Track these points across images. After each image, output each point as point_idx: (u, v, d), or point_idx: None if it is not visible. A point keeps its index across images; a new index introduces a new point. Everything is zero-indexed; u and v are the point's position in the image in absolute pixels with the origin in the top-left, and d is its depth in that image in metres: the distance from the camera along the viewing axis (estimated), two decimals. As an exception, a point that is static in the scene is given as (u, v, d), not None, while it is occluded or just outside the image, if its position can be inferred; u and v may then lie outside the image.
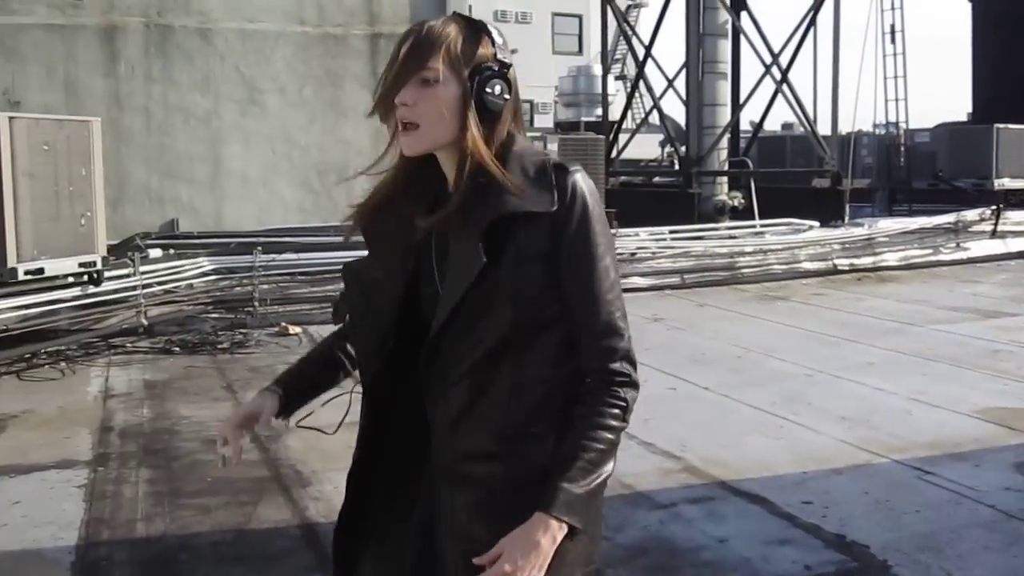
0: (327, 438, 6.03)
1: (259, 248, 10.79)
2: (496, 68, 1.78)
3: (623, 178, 21.10)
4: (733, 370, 8.33)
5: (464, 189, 1.77)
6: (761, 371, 8.29)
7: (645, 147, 22.64)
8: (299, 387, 2.15)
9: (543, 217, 1.76)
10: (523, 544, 1.71)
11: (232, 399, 7.69)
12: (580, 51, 35.41)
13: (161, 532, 4.85)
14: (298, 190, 12.67)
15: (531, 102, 31.34)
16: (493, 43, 1.79)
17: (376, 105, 1.81)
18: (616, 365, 1.83)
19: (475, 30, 1.80)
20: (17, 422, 7.11)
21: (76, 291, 9.13)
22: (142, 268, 9.85)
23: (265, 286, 10.91)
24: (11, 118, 8.09)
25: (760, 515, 4.98)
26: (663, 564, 4.39)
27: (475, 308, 1.78)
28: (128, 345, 9.72)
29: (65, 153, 8.55)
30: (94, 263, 8.97)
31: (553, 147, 14.36)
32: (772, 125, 31.49)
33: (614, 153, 20.31)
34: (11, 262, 8.04)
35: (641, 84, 20.50)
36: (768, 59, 18.75)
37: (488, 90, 1.77)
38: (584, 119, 21.66)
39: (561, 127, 21.32)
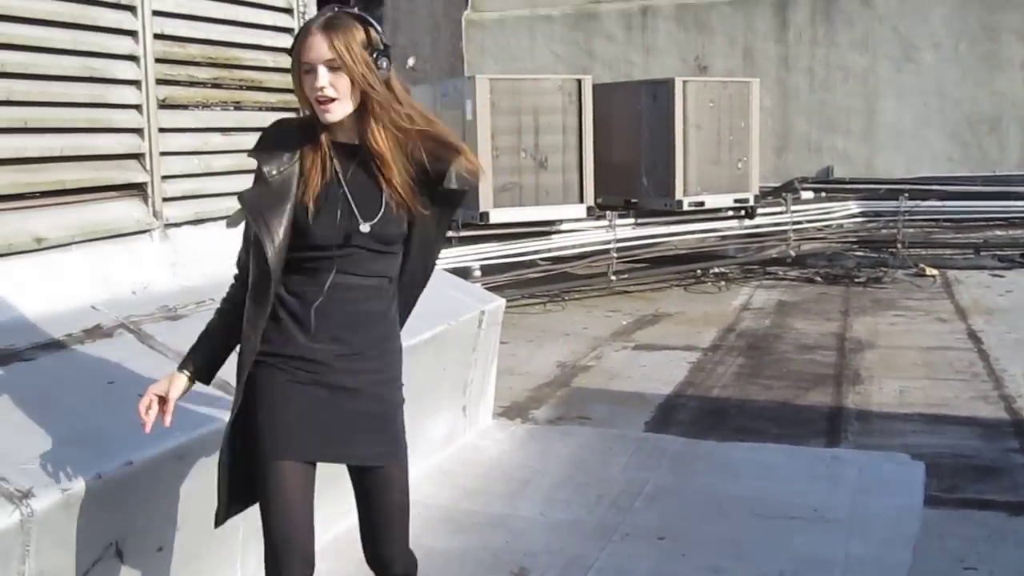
0: (900, 353, 7.30)
1: (905, 194, 11.73)
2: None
3: None
4: None
5: None
6: None
7: None
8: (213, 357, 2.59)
9: None
10: None
11: (842, 320, 8.97)
12: None
13: (728, 395, 6.50)
14: (948, 141, 13.26)
15: None
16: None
17: None
18: None
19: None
20: (669, 319, 9.21)
21: (733, 223, 11.05)
22: (794, 207, 11.45)
23: (909, 229, 11.82)
24: (684, 81, 10.26)
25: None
26: None
27: None
28: (780, 272, 11.42)
29: (727, 109, 10.50)
30: (747, 200, 10.82)
31: None
32: None
33: None
34: (678, 195, 10.26)
35: None
36: None
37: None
38: None
39: None
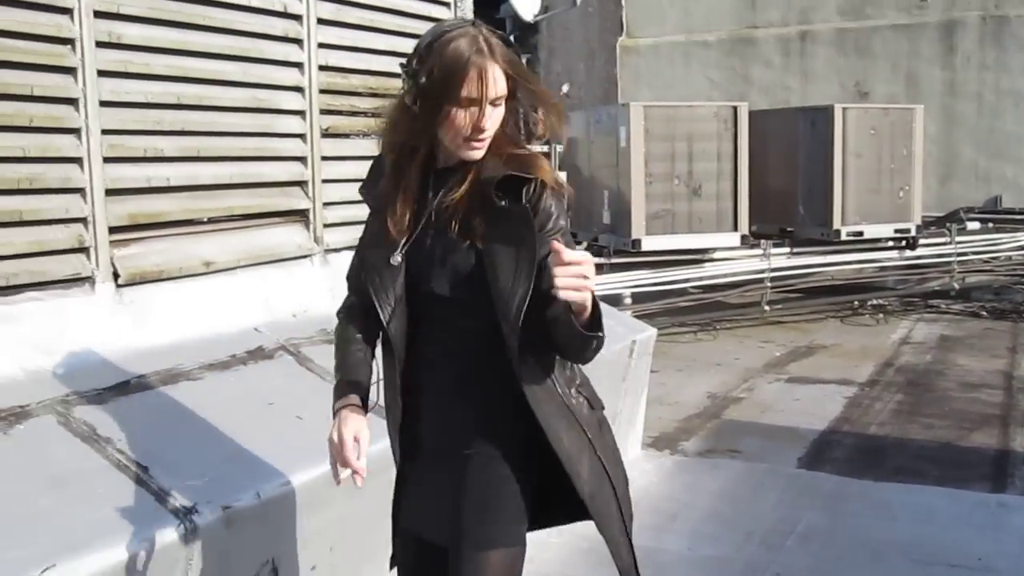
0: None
1: (1084, 226, 11.14)
2: None
3: None
4: None
5: None
6: None
7: None
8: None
9: None
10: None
11: (1009, 357, 8.55)
12: None
13: (885, 433, 6.27)
14: None
15: None
16: None
17: None
18: None
19: None
20: (824, 351, 8.96)
21: (893, 253, 10.69)
22: (958, 238, 11.00)
23: (1086, 262, 11.22)
24: (844, 108, 10.00)
25: None
26: None
27: None
28: (942, 306, 10.97)
29: (888, 136, 10.18)
30: (909, 230, 10.44)
31: None
32: None
33: None
34: (836, 224, 10.01)
35: None
36: None
37: None
38: None
39: None
